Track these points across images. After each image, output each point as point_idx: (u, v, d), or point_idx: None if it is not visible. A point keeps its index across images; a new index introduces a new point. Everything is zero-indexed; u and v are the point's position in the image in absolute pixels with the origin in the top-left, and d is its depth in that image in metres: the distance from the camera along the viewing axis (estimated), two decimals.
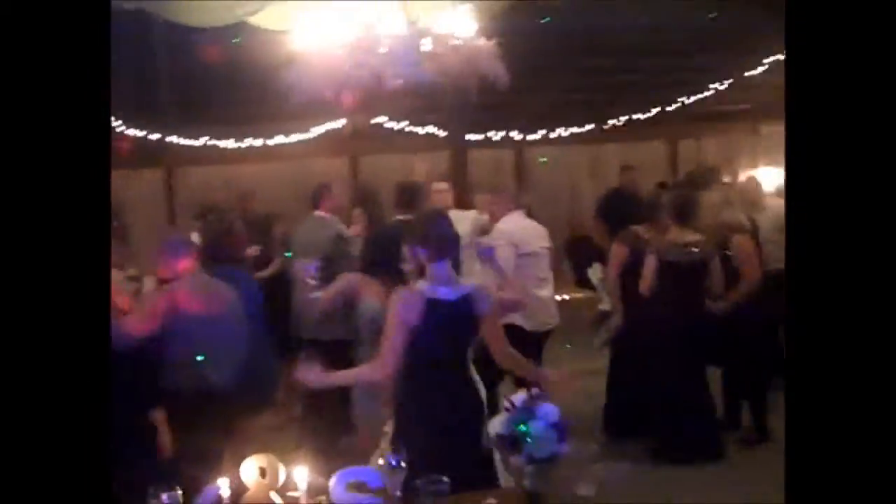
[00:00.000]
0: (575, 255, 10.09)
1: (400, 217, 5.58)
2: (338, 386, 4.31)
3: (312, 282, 4.36)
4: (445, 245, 3.60)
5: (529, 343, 5.35)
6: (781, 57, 10.09)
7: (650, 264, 5.74)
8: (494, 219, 6.07)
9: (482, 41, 3.77)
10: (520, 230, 5.92)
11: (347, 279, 4.76)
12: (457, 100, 7.47)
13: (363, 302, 4.65)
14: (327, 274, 4.69)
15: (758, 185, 7.85)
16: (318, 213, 6.42)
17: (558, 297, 6.93)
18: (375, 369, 3.71)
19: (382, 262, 4.73)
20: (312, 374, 3.68)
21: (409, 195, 5.74)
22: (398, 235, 4.96)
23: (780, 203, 7.51)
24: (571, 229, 11.41)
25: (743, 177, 12.40)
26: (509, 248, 5.76)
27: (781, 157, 9.36)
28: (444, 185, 7.12)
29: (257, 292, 5.23)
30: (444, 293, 3.51)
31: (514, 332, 4.42)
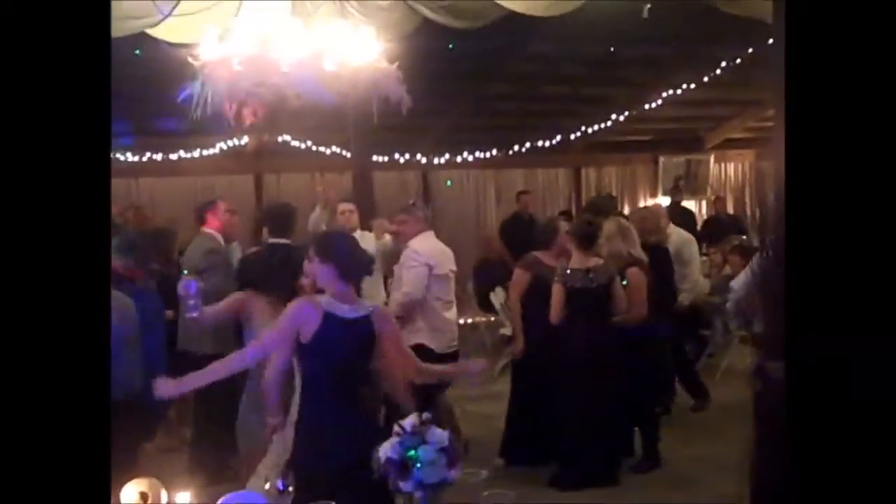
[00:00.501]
0: (479, 278, 10.17)
1: (272, 241, 5.51)
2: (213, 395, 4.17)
3: (191, 301, 4.29)
4: (357, 267, 3.60)
5: (437, 363, 5.36)
6: (678, 91, 10.48)
7: (557, 293, 5.81)
8: (403, 239, 6.08)
9: (385, 64, 3.80)
10: (432, 251, 5.92)
11: (235, 297, 4.74)
12: (360, 121, 7.49)
13: (252, 319, 4.63)
14: (206, 291, 4.64)
15: (662, 212, 8.13)
16: (204, 229, 6.40)
17: (462, 321, 6.98)
18: (243, 355, 3.68)
19: (257, 282, 4.74)
20: (166, 386, 3.58)
21: (282, 218, 5.68)
22: (273, 260, 4.93)
23: (678, 231, 7.92)
24: (480, 252, 11.56)
25: (644, 204, 12.85)
26: (424, 269, 5.77)
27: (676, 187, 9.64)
28: (349, 206, 7.10)
29: (159, 307, 5.14)
30: (344, 310, 3.50)
31: (422, 353, 4.49)
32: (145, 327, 4.74)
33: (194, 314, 4.29)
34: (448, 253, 6.08)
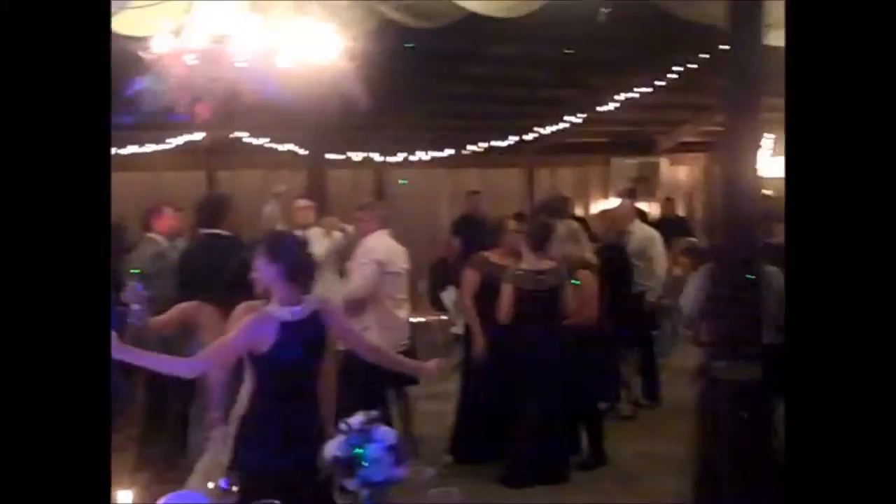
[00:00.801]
0: (433, 277, 10.18)
1: (207, 231, 5.44)
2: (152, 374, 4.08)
3: (136, 306, 4.16)
4: (304, 270, 3.58)
5: None
6: (633, 95, 10.58)
7: (507, 293, 5.84)
8: (360, 236, 6.09)
9: (343, 62, 3.78)
10: (385, 249, 5.93)
11: (182, 308, 4.62)
12: (316, 119, 7.45)
13: (202, 330, 4.54)
14: (151, 294, 4.53)
15: (632, 212, 8.21)
16: (149, 234, 6.36)
17: (414, 319, 6.97)
18: (190, 363, 3.58)
19: (196, 276, 4.68)
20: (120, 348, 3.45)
21: (216, 209, 5.59)
22: (211, 249, 4.88)
23: (643, 228, 7.97)
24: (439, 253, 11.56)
25: (603, 205, 12.97)
26: (374, 266, 5.77)
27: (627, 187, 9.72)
28: (305, 202, 7.07)
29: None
30: (290, 313, 3.48)
31: None
32: None
33: (138, 323, 4.13)
34: (401, 251, 6.08)
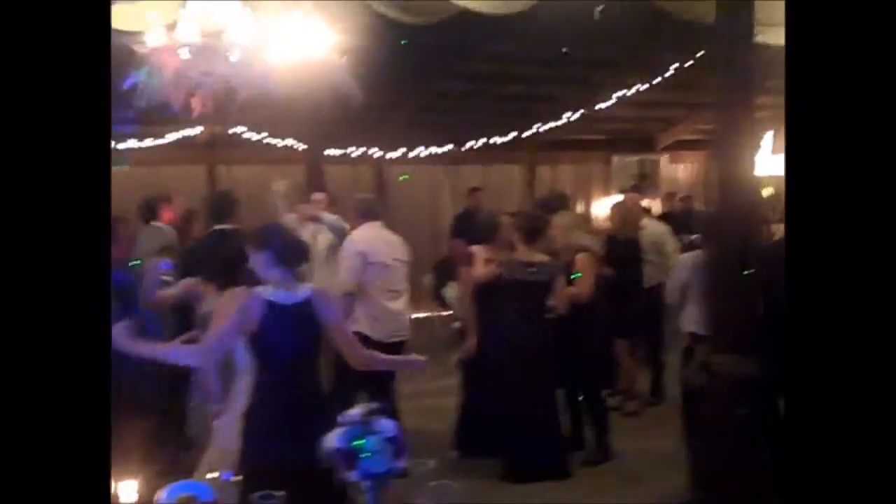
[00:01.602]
0: (437, 273, 10.21)
1: (218, 227, 5.55)
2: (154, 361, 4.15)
3: (167, 278, 4.40)
4: (294, 254, 3.62)
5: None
6: (630, 92, 10.58)
7: (480, 272, 5.91)
8: (352, 228, 6.15)
9: (336, 56, 3.79)
10: (371, 240, 5.97)
11: (186, 282, 4.81)
12: (312, 114, 7.45)
13: (204, 302, 4.65)
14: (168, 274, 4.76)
15: (640, 207, 8.22)
16: (155, 223, 6.42)
17: (419, 315, 7.01)
18: (194, 353, 3.72)
19: (200, 271, 4.76)
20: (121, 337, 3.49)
21: (224, 205, 5.72)
22: (215, 245, 4.96)
23: (656, 224, 7.95)
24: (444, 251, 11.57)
25: (601, 203, 12.97)
26: (356, 258, 5.82)
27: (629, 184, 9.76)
28: (320, 196, 7.12)
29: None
30: (282, 297, 3.52)
31: (361, 342, 4.46)
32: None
33: (150, 298, 4.29)
34: (393, 242, 6.11)
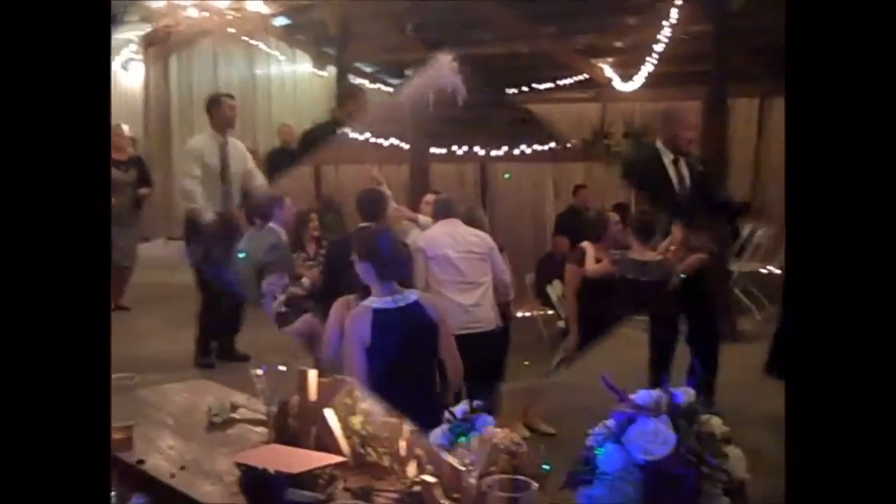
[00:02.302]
0: (540, 271, 10.15)
1: (362, 225, 5.67)
2: None
3: (281, 296, 4.48)
4: (395, 267, 3.64)
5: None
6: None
7: (590, 253, 5.83)
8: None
9: (440, 55, 3.78)
10: (433, 236, 6.03)
11: (304, 320, 4.91)
12: (416, 112, 7.50)
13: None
14: (285, 283, 4.84)
15: None
16: (270, 224, 6.56)
17: (520, 314, 6.99)
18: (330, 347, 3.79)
19: (343, 268, 4.82)
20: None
21: (374, 204, 5.84)
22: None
23: None
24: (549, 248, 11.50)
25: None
26: (417, 255, 5.89)
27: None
28: (431, 198, 7.19)
29: None
30: (389, 302, 3.54)
31: None
32: None
33: (269, 312, 4.36)
34: (459, 235, 6.14)
